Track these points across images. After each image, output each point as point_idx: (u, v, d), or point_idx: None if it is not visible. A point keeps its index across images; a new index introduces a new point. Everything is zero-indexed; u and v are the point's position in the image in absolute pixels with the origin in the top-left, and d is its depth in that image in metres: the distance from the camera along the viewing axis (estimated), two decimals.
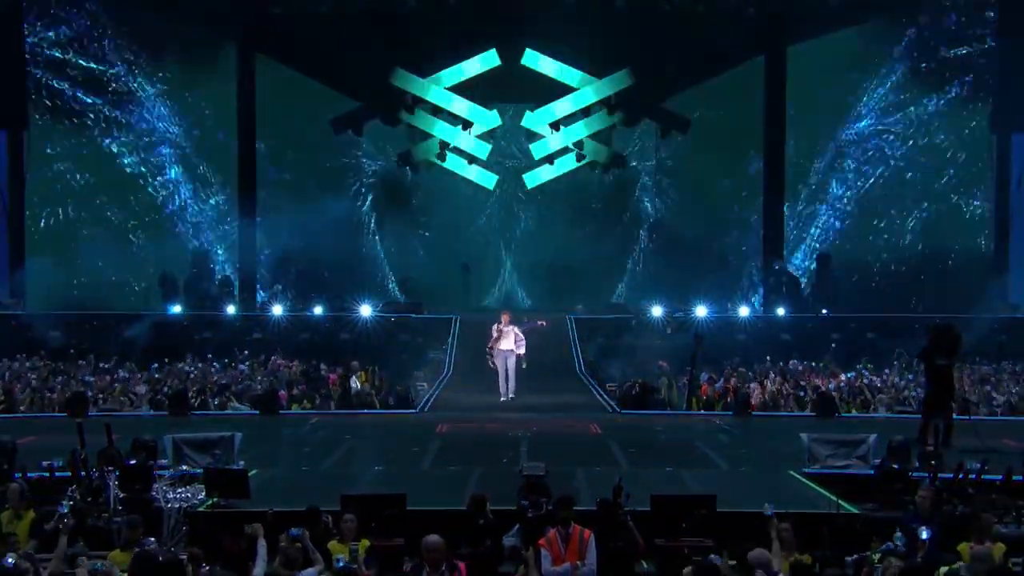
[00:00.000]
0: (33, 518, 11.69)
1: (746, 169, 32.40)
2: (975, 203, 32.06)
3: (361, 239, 33.19)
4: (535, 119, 31.93)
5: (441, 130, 31.87)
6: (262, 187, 31.85)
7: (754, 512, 11.30)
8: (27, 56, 30.50)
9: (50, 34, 31.02)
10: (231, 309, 28.24)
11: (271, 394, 21.95)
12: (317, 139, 32.88)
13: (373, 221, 33.33)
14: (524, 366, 22.31)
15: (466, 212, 33.74)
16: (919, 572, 9.63)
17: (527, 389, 22.40)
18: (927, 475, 13.09)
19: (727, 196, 32.92)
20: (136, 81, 31.63)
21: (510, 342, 22.08)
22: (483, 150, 32.13)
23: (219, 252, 32.11)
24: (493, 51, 31.28)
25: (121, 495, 12.47)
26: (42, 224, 31.61)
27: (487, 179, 32.72)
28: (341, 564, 9.86)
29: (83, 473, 12.90)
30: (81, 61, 31.28)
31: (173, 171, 32.44)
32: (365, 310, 26.79)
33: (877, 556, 10.22)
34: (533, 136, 32.36)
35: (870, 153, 32.24)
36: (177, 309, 28.65)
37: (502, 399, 22.12)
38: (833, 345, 25.95)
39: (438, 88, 31.39)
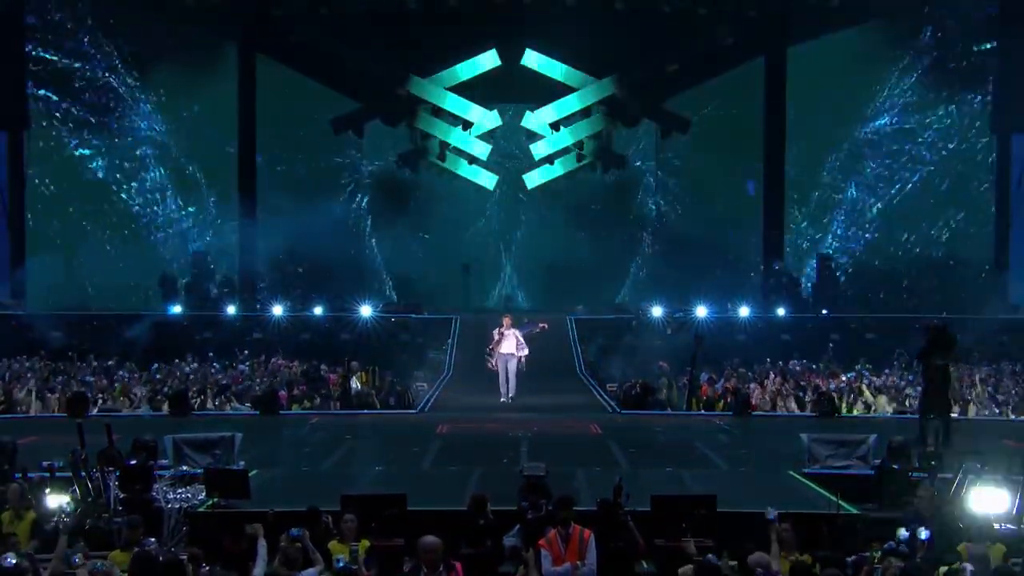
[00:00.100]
0: (33, 518, 11.70)
1: (750, 170, 32.36)
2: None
3: (360, 240, 33.17)
4: (535, 119, 31.94)
5: (451, 132, 31.87)
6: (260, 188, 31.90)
7: (754, 512, 11.30)
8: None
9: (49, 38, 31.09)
10: (231, 309, 28.24)
11: (271, 394, 21.96)
12: (316, 139, 32.89)
13: (371, 222, 33.30)
14: (524, 369, 22.30)
15: (466, 213, 33.75)
16: (919, 572, 9.63)
17: (527, 390, 22.41)
18: (927, 475, 13.10)
19: (730, 196, 32.89)
20: (134, 82, 31.62)
21: (511, 345, 22.08)
22: (483, 150, 32.14)
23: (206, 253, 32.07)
24: (493, 51, 31.30)
25: (121, 495, 12.48)
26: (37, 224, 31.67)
27: (487, 179, 32.73)
28: (341, 564, 9.86)
29: (83, 473, 12.89)
30: (76, 63, 31.30)
31: (168, 172, 32.45)
32: (365, 310, 26.80)
33: (877, 556, 10.21)
34: (533, 136, 32.37)
35: (888, 161, 32.14)
36: (177, 309, 28.66)
37: (502, 400, 22.13)
38: (831, 345, 25.94)
39: (456, 97, 31.35)
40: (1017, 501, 11.89)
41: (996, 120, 31.06)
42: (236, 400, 22.40)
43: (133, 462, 13.33)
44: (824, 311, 29.11)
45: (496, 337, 22.15)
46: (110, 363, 24.58)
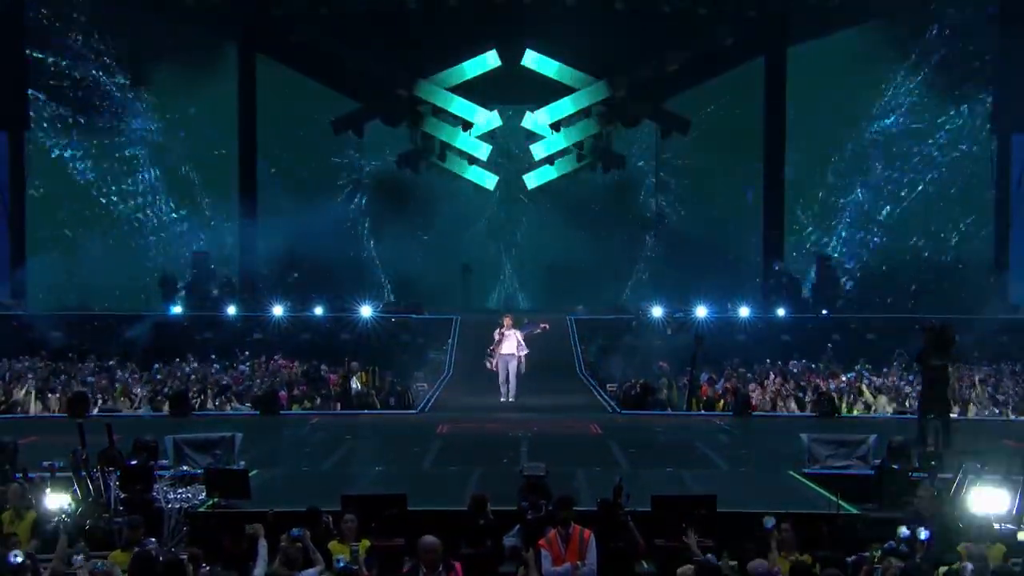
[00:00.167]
0: (34, 518, 11.72)
1: (751, 170, 32.35)
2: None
3: (360, 241, 33.17)
4: (535, 120, 31.95)
5: (454, 133, 31.89)
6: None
7: (754, 512, 11.31)
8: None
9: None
10: (232, 310, 28.25)
11: (271, 394, 21.97)
12: (316, 139, 32.92)
13: (373, 222, 33.31)
14: (524, 370, 22.30)
15: (467, 213, 33.76)
16: (919, 572, 9.64)
17: (527, 390, 22.41)
18: (926, 475, 13.11)
19: (731, 196, 32.90)
20: (134, 83, 31.63)
21: (512, 346, 22.07)
22: (483, 151, 32.16)
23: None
24: (493, 52, 31.31)
25: (122, 495, 12.48)
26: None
27: (487, 180, 32.74)
28: (342, 564, 9.87)
29: (84, 473, 12.90)
30: (76, 64, 31.32)
31: (168, 173, 32.47)
32: (366, 311, 26.80)
33: (877, 556, 10.21)
34: (533, 137, 32.38)
35: (898, 163, 32.10)
36: (178, 310, 28.67)
37: (502, 399, 22.13)
38: (829, 345, 25.95)
39: (462, 101, 31.38)
40: (1017, 501, 11.89)
41: (996, 120, 31.07)
42: (236, 400, 22.41)
43: (134, 462, 13.35)
44: (824, 311, 29.11)
45: (497, 338, 22.15)
46: (111, 363, 24.59)
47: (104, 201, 32.31)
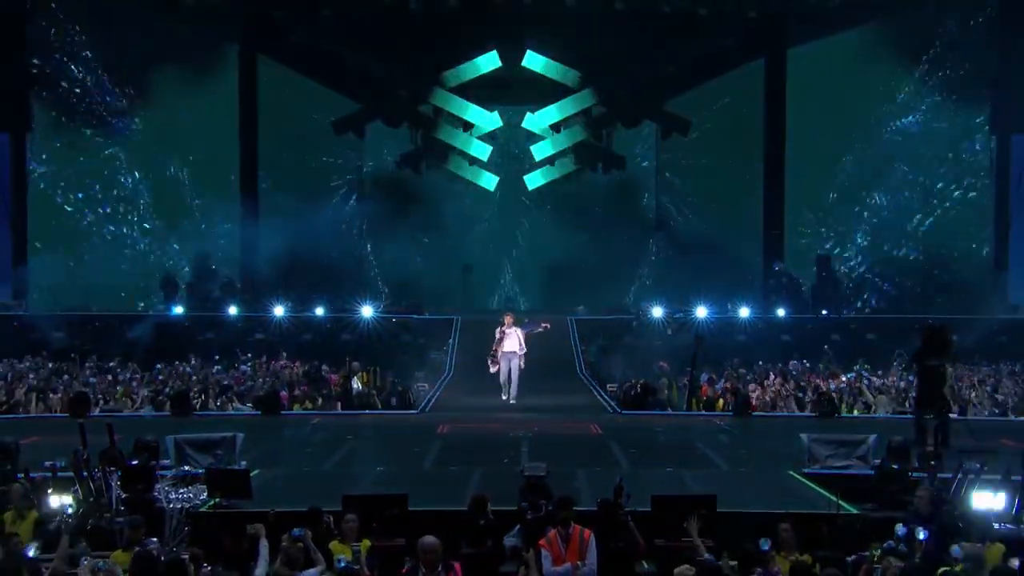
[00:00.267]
0: (36, 518, 11.74)
1: (751, 170, 32.33)
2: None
3: (360, 241, 33.17)
4: (536, 121, 31.99)
5: (463, 138, 31.92)
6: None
7: (754, 512, 11.34)
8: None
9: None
10: (233, 310, 28.28)
11: (272, 395, 22.00)
12: (317, 140, 32.94)
13: (373, 223, 33.30)
14: (523, 367, 22.31)
15: (467, 213, 33.77)
16: (918, 572, 9.65)
17: (528, 390, 22.43)
18: (926, 475, 13.12)
19: (731, 196, 32.88)
20: (135, 83, 31.65)
21: (514, 344, 22.05)
22: (484, 151, 32.18)
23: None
24: (494, 52, 31.33)
25: (123, 495, 12.50)
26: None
27: (488, 180, 32.77)
28: (343, 564, 9.89)
29: (85, 473, 12.93)
30: (77, 65, 31.36)
31: (168, 173, 32.50)
32: (367, 311, 26.83)
33: (876, 555, 10.23)
34: (534, 137, 32.41)
35: (905, 167, 32.05)
36: (179, 310, 28.70)
37: (503, 398, 22.14)
38: (826, 347, 25.97)
39: (477, 109, 31.41)
40: (1016, 501, 11.91)
41: (996, 120, 31.09)
42: (238, 400, 22.44)
43: (135, 462, 13.38)
44: (824, 312, 29.14)
45: (498, 336, 22.16)
46: (111, 364, 24.62)
47: (114, 200, 32.29)
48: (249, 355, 25.77)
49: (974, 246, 31.75)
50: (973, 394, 22.19)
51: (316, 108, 32.76)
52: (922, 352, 16.75)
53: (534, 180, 32.90)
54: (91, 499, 12.50)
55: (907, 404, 21.35)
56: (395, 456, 16.67)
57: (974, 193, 32.05)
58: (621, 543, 11.04)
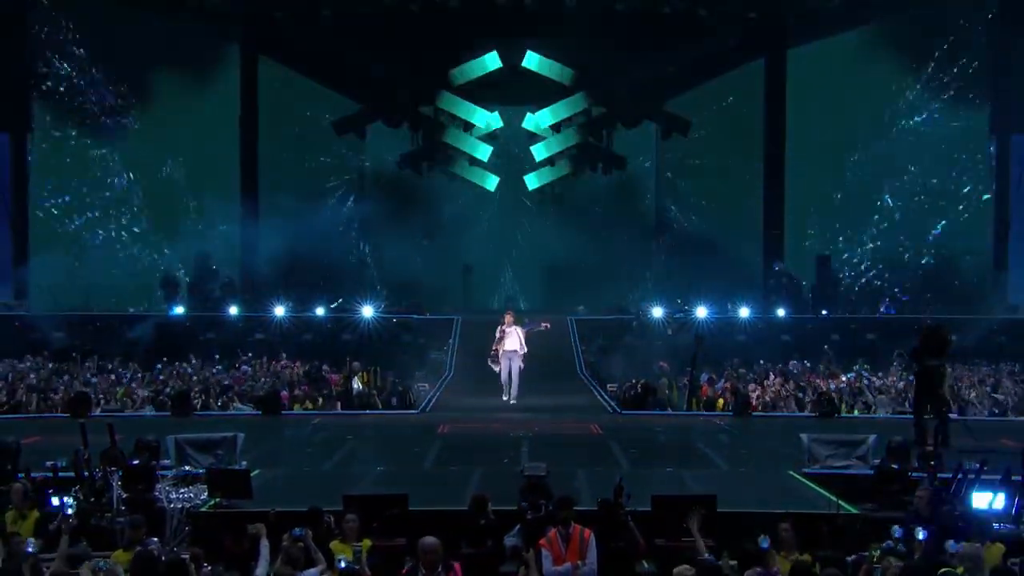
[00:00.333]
0: (37, 518, 11.76)
1: (751, 170, 32.33)
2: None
3: (361, 242, 33.18)
4: (536, 121, 32.02)
5: (472, 142, 31.99)
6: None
7: (754, 512, 11.36)
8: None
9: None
10: (233, 310, 28.31)
11: (273, 395, 22.03)
12: (317, 141, 32.96)
13: (374, 223, 33.32)
14: (523, 366, 22.33)
15: (468, 214, 33.79)
16: (919, 572, 9.66)
17: (528, 390, 22.46)
18: (926, 475, 13.14)
19: (731, 196, 32.89)
20: (135, 83, 31.67)
21: (515, 343, 22.05)
22: (484, 152, 32.21)
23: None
24: (494, 53, 31.35)
25: (124, 495, 12.51)
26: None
27: (488, 181, 32.79)
28: (343, 564, 9.91)
29: (86, 473, 12.95)
30: (78, 65, 31.37)
31: (169, 174, 32.50)
32: (367, 311, 26.86)
33: (875, 555, 10.24)
34: (534, 138, 32.44)
35: (896, 164, 32.02)
36: (180, 310, 28.73)
37: (504, 399, 22.15)
38: (826, 347, 25.99)
39: (483, 112, 31.44)
40: (1016, 501, 11.92)
41: (996, 121, 31.12)
42: (238, 400, 22.46)
43: (136, 462, 13.41)
44: (824, 312, 29.16)
45: (499, 335, 22.17)
46: (111, 365, 24.64)
47: (114, 200, 32.30)
48: (250, 355, 25.79)
49: (973, 252, 31.76)
50: (973, 394, 22.21)
51: (316, 108, 32.77)
52: (920, 351, 16.76)
53: (534, 180, 32.91)
54: (92, 499, 12.53)
55: (907, 404, 21.35)
56: (395, 456, 16.70)
57: (969, 188, 32.04)
58: (621, 543, 11.06)
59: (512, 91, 31.88)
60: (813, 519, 12.16)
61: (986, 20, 31.15)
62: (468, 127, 31.86)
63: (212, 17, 30.62)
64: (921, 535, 10.45)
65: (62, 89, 31.41)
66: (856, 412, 22.01)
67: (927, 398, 16.53)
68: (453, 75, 31.55)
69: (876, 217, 32.67)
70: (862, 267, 32.35)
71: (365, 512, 11.56)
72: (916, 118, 32.17)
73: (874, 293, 31.44)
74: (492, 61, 31.41)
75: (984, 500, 11.81)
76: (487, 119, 31.83)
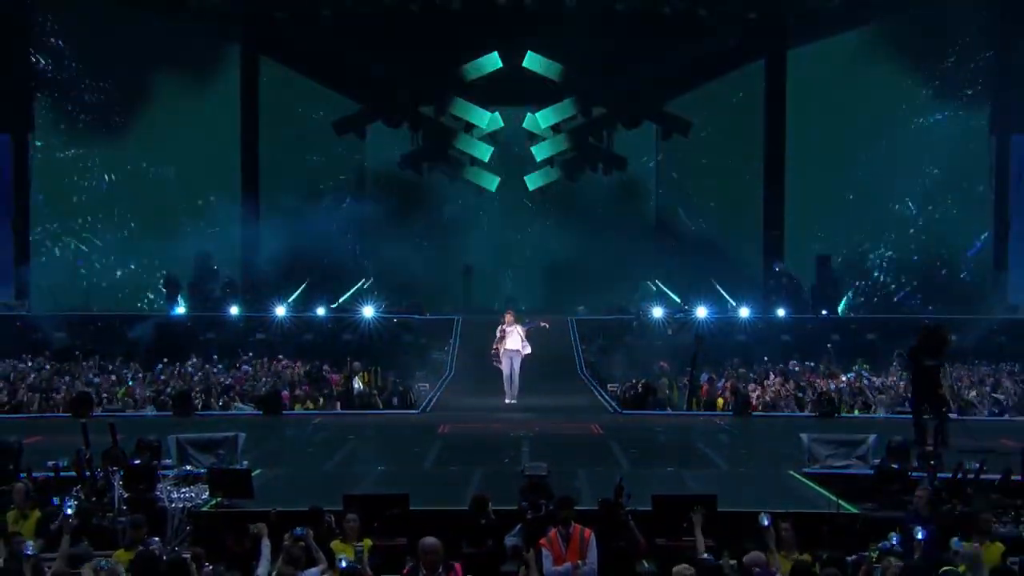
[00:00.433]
0: (38, 517, 11.78)
1: (751, 170, 32.36)
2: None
3: (361, 242, 33.17)
4: (536, 122, 32.03)
5: (460, 137, 31.99)
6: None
7: (754, 512, 11.37)
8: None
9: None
10: (234, 310, 28.34)
11: (274, 394, 22.05)
12: (317, 141, 32.97)
13: (374, 224, 33.31)
14: (524, 366, 22.32)
15: (468, 214, 33.79)
16: (919, 572, 9.68)
17: (529, 390, 22.48)
18: (926, 475, 13.16)
19: (732, 197, 32.90)
20: (136, 84, 31.67)
21: (516, 342, 22.05)
22: (485, 152, 32.23)
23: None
24: (495, 54, 31.36)
25: (125, 495, 12.55)
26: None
27: (489, 181, 32.80)
28: (344, 564, 9.94)
29: (88, 473, 12.99)
30: (79, 66, 31.39)
31: (170, 174, 32.51)
32: (368, 311, 26.89)
33: (875, 555, 10.26)
34: (535, 138, 32.45)
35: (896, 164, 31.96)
36: (181, 310, 28.75)
37: (507, 400, 22.16)
38: (829, 346, 26.00)
39: (493, 116, 31.46)
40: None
41: (995, 121, 31.14)
42: (239, 400, 22.49)
43: (137, 462, 13.45)
44: (824, 312, 29.19)
45: (499, 334, 22.17)
46: (112, 365, 24.67)
47: (115, 201, 32.32)
48: (250, 355, 25.81)
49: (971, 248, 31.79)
50: (973, 393, 22.23)
51: (317, 108, 32.77)
52: (918, 352, 16.77)
53: (535, 181, 32.93)
54: (93, 499, 12.56)
55: (907, 404, 21.37)
56: (396, 456, 16.73)
57: (969, 189, 32.05)
58: (622, 542, 11.08)
59: (513, 91, 31.89)
60: (813, 519, 12.19)
61: (986, 20, 31.14)
62: (469, 127, 31.86)
63: (212, 17, 30.61)
64: (920, 535, 10.46)
65: (63, 89, 31.44)
66: (856, 412, 22.02)
67: (925, 398, 16.54)
68: (466, 70, 31.45)
69: (876, 217, 32.66)
70: (864, 266, 32.37)
71: (366, 512, 11.58)
72: (916, 118, 32.16)
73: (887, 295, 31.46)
74: (493, 62, 31.41)
75: None
76: (488, 119, 31.85)
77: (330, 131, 32.69)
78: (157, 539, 10.79)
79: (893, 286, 31.77)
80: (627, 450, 17.09)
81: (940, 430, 16.16)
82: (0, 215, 30.38)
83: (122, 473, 12.81)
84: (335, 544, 10.88)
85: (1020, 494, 13.07)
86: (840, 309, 30.31)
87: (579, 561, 10.30)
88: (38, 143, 31.28)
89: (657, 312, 27.16)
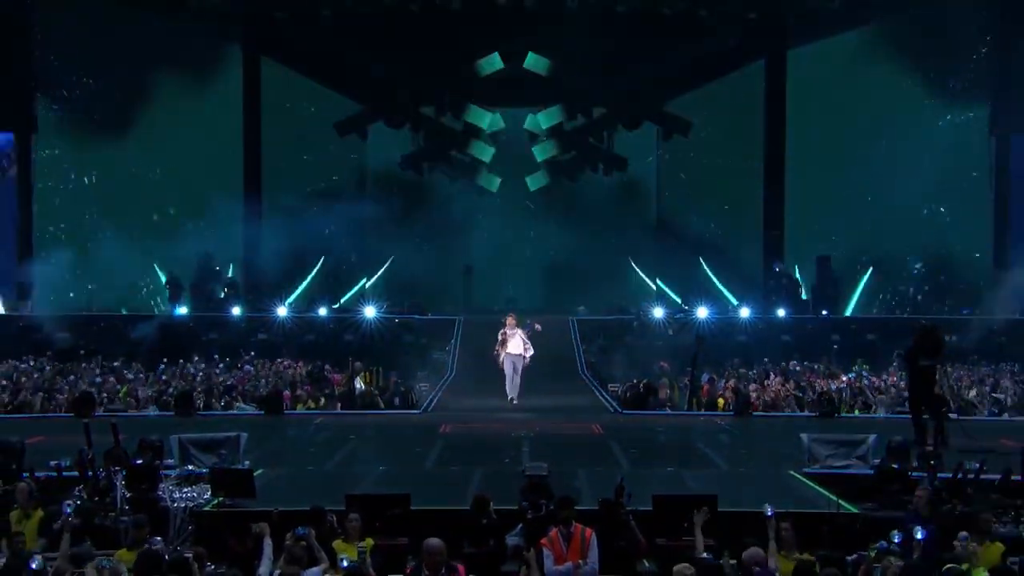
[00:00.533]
0: (41, 517, 11.82)
1: (751, 170, 32.39)
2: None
3: (361, 242, 33.20)
4: (537, 122, 32.06)
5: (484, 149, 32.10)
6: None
7: (754, 512, 11.41)
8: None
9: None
10: (236, 310, 28.38)
11: (275, 394, 22.09)
12: (318, 141, 33.01)
13: (375, 224, 33.33)
14: (528, 364, 22.33)
15: (469, 214, 33.83)
16: (919, 572, 9.71)
17: (530, 390, 22.48)
18: (926, 475, 13.19)
19: (732, 197, 32.94)
20: (137, 85, 31.71)
21: (518, 346, 21.98)
22: (486, 153, 32.25)
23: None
24: (496, 54, 31.39)
25: (128, 495, 12.58)
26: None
27: (490, 181, 32.83)
28: (346, 564, 9.97)
29: (90, 473, 13.02)
30: (80, 66, 31.41)
31: (171, 174, 32.55)
32: (369, 311, 26.93)
33: (873, 555, 10.29)
34: (535, 139, 32.48)
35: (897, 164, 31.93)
36: (183, 310, 28.79)
37: (510, 397, 22.14)
38: (835, 347, 26.03)
39: (496, 117, 31.51)
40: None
41: (995, 121, 31.18)
42: (241, 400, 22.52)
43: (139, 462, 13.47)
44: (824, 312, 29.22)
45: (501, 338, 22.17)
46: (115, 364, 24.71)
47: (116, 201, 32.36)
48: (252, 355, 25.85)
49: (976, 251, 31.81)
50: (973, 393, 22.25)
51: (318, 109, 32.82)
52: (914, 352, 16.78)
53: (535, 181, 32.97)
54: (96, 498, 12.60)
55: (907, 404, 21.40)
56: (398, 456, 16.75)
57: (969, 189, 32.08)
58: (622, 542, 11.12)
59: (514, 92, 31.93)
60: (813, 519, 12.21)
61: (986, 20, 31.17)
62: (475, 130, 31.89)
63: (212, 17, 30.65)
64: (920, 535, 10.50)
65: (63, 89, 31.48)
66: (856, 412, 22.04)
67: (923, 399, 16.57)
68: (480, 66, 31.41)
69: (876, 217, 32.67)
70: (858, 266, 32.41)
71: (367, 511, 11.62)
72: (916, 118, 32.17)
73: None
74: (494, 62, 31.44)
75: None
76: (489, 120, 31.88)
77: (331, 131, 32.74)
78: (159, 539, 10.81)
79: (912, 290, 31.72)
80: (627, 450, 17.11)
81: (939, 430, 16.18)
82: (3, 215, 30.43)
83: (124, 473, 12.83)
84: (337, 544, 10.92)
85: (1020, 494, 13.09)
86: (850, 309, 30.36)
87: (580, 561, 10.33)
88: (40, 143, 31.33)
89: (657, 312, 27.19)
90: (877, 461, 14.59)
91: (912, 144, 31.76)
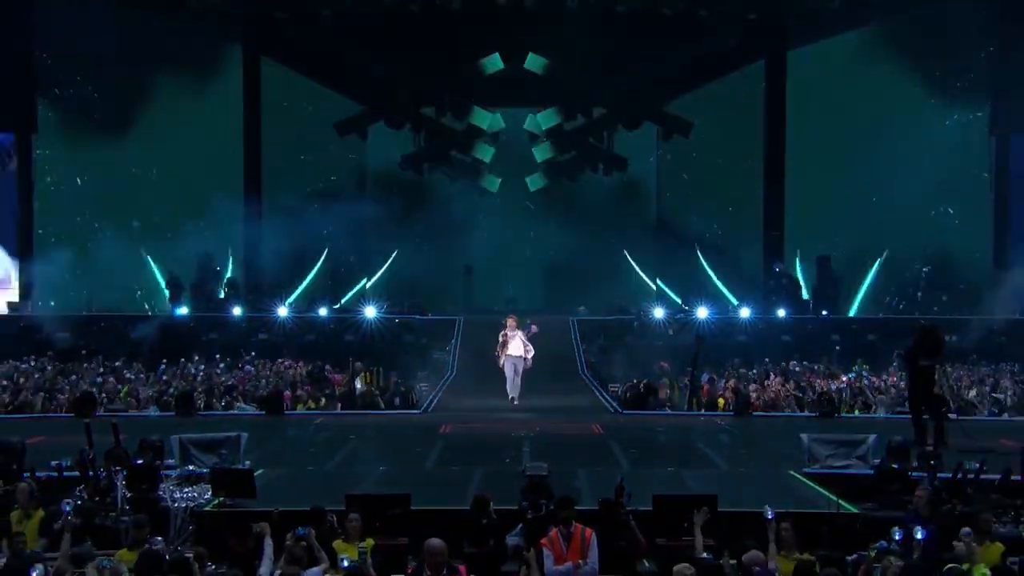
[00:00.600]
0: (42, 517, 11.83)
1: (751, 170, 32.41)
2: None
3: (361, 242, 33.21)
4: (537, 123, 32.07)
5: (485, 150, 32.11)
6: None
7: (754, 512, 11.42)
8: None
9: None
10: (237, 310, 28.40)
11: (276, 395, 22.10)
12: (319, 141, 33.03)
13: (375, 224, 33.35)
14: (530, 366, 22.34)
15: (469, 214, 33.85)
16: (919, 572, 9.73)
17: (530, 390, 22.47)
18: (926, 475, 13.20)
19: (732, 197, 32.96)
20: (137, 85, 31.73)
21: (518, 347, 21.95)
22: (487, 153, 32.26)
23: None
24: (496, 55, 31.40)
25: (128, 495, 12.58)
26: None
27: (490, 182, 32.84)
28: (346, 564, 9.99)
29: (91, 473, 13.04)
30: (81, 66, 31.42)
31: (172, 174, 32.54)
32: (370, 311, 26.95)
33: (873, 555, 10.30)
34: (535, 139, 32.49)
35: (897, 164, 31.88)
36: (183, 311, 28.81)
37: (511, 395, 22.14)
38: (837, 348, 26.03)
39: (487, 112, 31.52)
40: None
41: (995, 121, 31.19)
42: (242, 400, 22.54)
43: (140, 462, 13.48)
44: (824, 312, 29.23)
45: (501, 339, 22.17)
46: (116, 364, 24.73)
47: (117, 202, 32.38)
48: (253, 355, 25.87)
49: (976, 252, 31.81)
50: (973, 393, 22.26)
51: (318, 109, 32.83)
52: (914, 352, 16.79)
53: (536, 181, 32.99)
54: (96, 498, 12.61)
55: (907, 404, 21.41)
56: (398, 456, 16.76)
57: (969, 189, 32.09)
58: (622, 542, 11.13)
59: (514, 92, 31.94)
60: (813, 519, 12.22)
61: (986, 20, 31.17)
62: (470, 128, 31.89)
63: (213, 17, 30.67)
64: (920, 535, 10.51)
65: (63, 89, 31.49)
66: (856, 412, 22.05)
67: (923, 399, 16.57)
68: (483, 64, 31.42)
69: (876, 217, 32.67)
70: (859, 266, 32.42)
71: (368, 512, 11.63)
72: (916, 118, 32.16)
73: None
74: (495, 62, 31.46)
75: None
76: (489, 120, 31.89)
77: (331, 131, 32.76)
78: (160, 539, 10.83)
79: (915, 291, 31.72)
80: (627, 450, 17.12)
81: (939, 430, 16.18)
82: (3, 215, 30.45)
83: (125, 473, 12.84)
84: (337, 544, 10.94)
85: (1020, 494, 13.10)
86: (854, 309, 30.37)
87: (580, 561, 10.34)
88: (40, 143, 31.34)
89: (658, 312, 27.20)
90: (877, 461, 14.60)
91: (912, 144, 31.75)
